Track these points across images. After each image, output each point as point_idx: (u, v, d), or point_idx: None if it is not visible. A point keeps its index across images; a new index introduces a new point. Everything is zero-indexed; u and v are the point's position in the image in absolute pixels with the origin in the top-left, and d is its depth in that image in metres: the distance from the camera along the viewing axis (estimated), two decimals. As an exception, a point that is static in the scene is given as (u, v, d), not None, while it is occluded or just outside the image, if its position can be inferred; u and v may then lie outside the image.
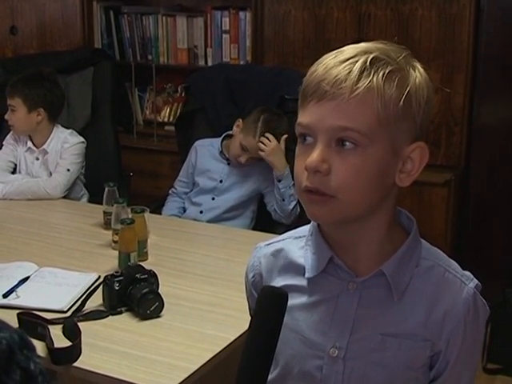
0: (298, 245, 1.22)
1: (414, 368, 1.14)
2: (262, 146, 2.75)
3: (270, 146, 2.74)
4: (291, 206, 2.76)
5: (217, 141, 2.94)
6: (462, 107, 3.37)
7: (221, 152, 2.91)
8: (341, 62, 1.06)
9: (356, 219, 1.10)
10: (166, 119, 4.18)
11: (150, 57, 4.14)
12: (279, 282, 1.20)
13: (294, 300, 1.13)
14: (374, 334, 1.13)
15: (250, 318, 1.31)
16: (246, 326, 1.75)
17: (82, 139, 3.05)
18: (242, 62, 3.84)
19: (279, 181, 2.76)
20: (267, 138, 2.75)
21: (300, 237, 1.22)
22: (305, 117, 1.08)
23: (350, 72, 1.04)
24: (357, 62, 1.05)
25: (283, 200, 2.77)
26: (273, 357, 0.98)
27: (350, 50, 1.08)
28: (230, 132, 2.90)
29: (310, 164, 1.05)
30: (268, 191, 2.87)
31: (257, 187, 2.90)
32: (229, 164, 2.90)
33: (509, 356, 3.12)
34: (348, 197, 1.06)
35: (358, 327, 1.13)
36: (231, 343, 1.75)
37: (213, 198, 2.90)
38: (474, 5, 3.25)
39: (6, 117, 3.00)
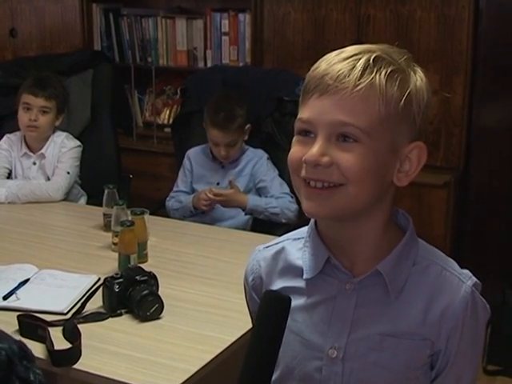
0: (296, 246, 1.21)
1: (414, 368, 1.13)
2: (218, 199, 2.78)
3: (224, 198, 2.78)
4: (291, 210, 2.76)
5: (206, 146, 2.94)
6: (462, 109, 3.37)
7: (212, 157, 2.92)
8: (344, 59, 1.07)
9: (353, 216, 1.10)
10: (165, 121, 4.18)
11: (149, 59, 4.14)
12: (279, 284, 1.21)
13: (293, 302, 1.13)
14: (372, 334, 1.13)
15: (250, 319, 1.31)
16: (246, 328, 1.76)
17: (78, 143, 3.04)
18: (241, 64, 3.84)
19: (251, 214, 2.82)
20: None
21: (299, 238, 1.22)
22: (306, 112, 1.09)
23: (353, 68, 1.05)
24: (360, 59, 1.06)
25: (276, 216, 2.79)
26: (275, 362, 0.98)
27: (352, 48, 1.10)
28: None
29: (309, 158, 1.06)
30: (261, 187, 2.88)
31: (251, 182, 2.90)
32: (223, 167, 2.91)
33: (509, 357, 3.12)
34: (353, 184, 1.05)
35: (356, 327, 1.13)
36: (231, 345, 1.75)
37: None
38: (473, 6, 3.25)
39: (31, 117, 2.88)
